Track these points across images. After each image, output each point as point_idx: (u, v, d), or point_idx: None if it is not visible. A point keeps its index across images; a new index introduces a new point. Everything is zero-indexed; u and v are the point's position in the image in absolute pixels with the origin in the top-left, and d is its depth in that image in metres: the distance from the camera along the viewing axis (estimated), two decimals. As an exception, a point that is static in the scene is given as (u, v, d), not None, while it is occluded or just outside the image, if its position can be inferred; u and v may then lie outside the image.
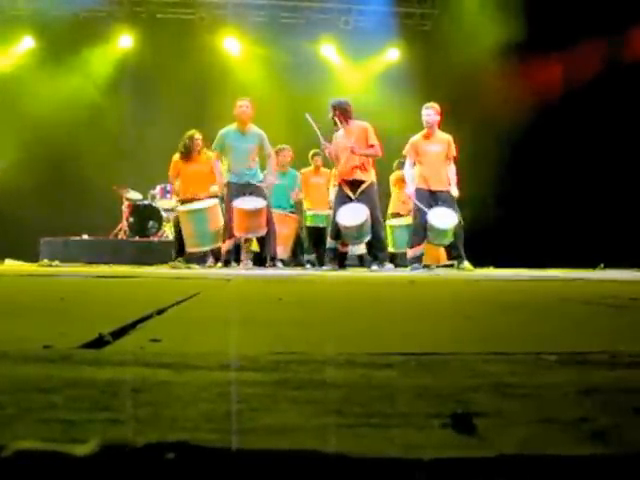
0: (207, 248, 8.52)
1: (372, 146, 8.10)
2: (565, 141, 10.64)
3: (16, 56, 12.63)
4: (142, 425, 0.70)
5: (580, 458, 0.62)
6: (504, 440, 0.66)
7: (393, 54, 13.36)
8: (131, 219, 10.90)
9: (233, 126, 8.23)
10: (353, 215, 7.94)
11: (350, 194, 8.08)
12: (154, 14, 12.84)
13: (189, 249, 8.46)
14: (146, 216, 10.94)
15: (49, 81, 11.85)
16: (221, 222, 8.29)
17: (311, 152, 9.93)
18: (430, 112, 8.25)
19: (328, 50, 13.29)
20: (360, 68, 13.32)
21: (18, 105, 11.71)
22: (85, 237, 10.93)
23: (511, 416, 0.76)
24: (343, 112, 8.15)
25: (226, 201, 8.19)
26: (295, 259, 9.35)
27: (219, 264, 8.30)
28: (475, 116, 10.92)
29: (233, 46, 13.11)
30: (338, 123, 8.13)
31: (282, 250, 8.74)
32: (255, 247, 8.64)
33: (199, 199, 8.52)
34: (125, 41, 12.91)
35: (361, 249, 9.00)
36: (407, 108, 11.07)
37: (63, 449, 0.59)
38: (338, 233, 8.08)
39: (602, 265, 8.86)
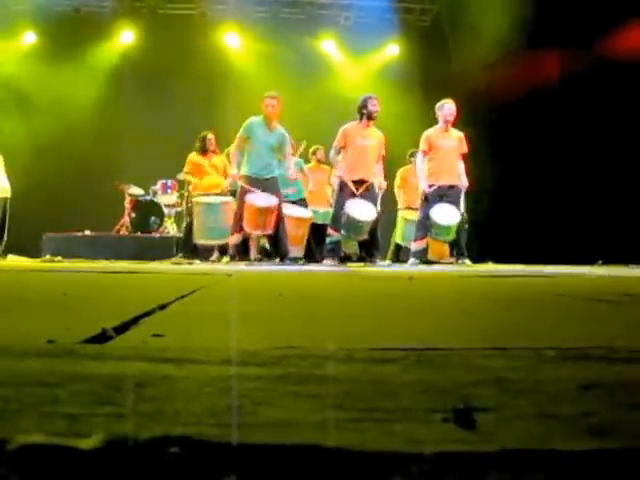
0: (215, 242, 8.56)
1: (382, 158, 8.32)
2: (564, 136, 10.61)
3: (18, 51, 12.58)
4: (145, 419, 0.70)
5: (580, 453, 0.62)
6: (504, 435, 0.67)
7: (393, 50, 13.33)
8: (133, 215, 10.89)
9: (260, 118, 8.12)
10: (364, 210, 7.95)
11: (354, 190, 8.08)
12: (155, 9, 12.82)
13: (197, 240, 8.51)
14: (148, 212, 10.93)
15: (51, 77, 11.82)
16: (231, 219, 8.33)
17: (312, 148, 9.90)
18: (453, 108, 8.27)
19: (328, 45, 13.26)
20: (360, 63, 13.29)
21: (20, 101, 11.69)
22: (87, 233, 10.92)
23: (511, 411, 0.76)
24: None
25: (239, 194, 8.08)
26: (309, 256, 9.11)
27: (226, 258, 8.29)
28: (474, 111, 10.89)
29: (234, 41, 13.07)
30: (364, 120, 8.14)
31: (298, 250, 8.66)
32: (264, 242, 8.59)
33: (212, 194, 8.67)
34: (126, 37, 12.87)
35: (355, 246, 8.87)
36: (407, 103, 11.08)
37: (67, 443, 0.59)
38: (342, 225, 8.03)
39: (600, 261, 8.86)
